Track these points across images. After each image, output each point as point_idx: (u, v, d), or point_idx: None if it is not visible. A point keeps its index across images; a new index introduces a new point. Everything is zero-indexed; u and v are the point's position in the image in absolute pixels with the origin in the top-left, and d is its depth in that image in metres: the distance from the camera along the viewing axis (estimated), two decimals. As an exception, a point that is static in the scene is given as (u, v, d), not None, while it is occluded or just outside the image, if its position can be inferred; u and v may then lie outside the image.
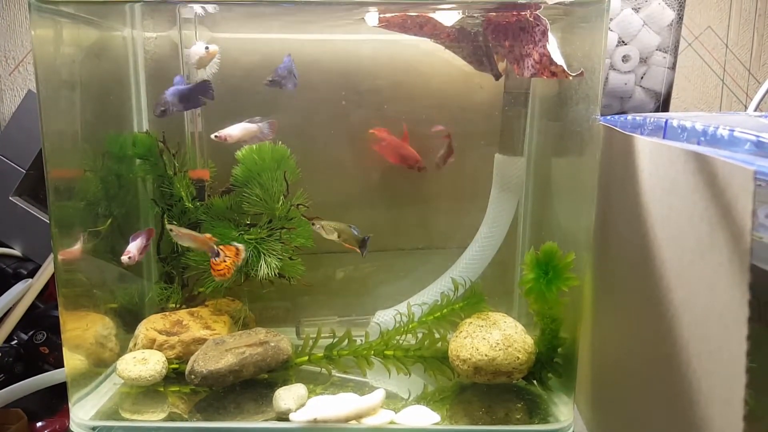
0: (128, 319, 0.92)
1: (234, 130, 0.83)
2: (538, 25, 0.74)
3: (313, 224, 0.86)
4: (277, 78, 0.82)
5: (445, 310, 0.88)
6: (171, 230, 0.83)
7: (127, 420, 0.78)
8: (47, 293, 1.03)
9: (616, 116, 0.76)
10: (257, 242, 0.89)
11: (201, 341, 0.86)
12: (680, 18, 0.95)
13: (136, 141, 0.91)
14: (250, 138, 0.85)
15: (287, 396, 0.77)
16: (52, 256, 0.89)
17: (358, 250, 0.84)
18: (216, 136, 0.83)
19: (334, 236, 0.84)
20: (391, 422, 0.76)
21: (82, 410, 0.79)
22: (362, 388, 0.82)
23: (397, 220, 1.02)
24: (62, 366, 0.82)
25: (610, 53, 0.95)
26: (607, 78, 0.96)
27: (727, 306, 0.44)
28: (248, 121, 0.84)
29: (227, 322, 0.92)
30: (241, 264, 0.85)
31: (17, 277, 1.02)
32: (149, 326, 0.87)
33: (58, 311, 0.80)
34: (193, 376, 0.80)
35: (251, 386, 0.83)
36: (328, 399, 0.78)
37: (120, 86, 0.94)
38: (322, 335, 0.87)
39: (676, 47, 0.96)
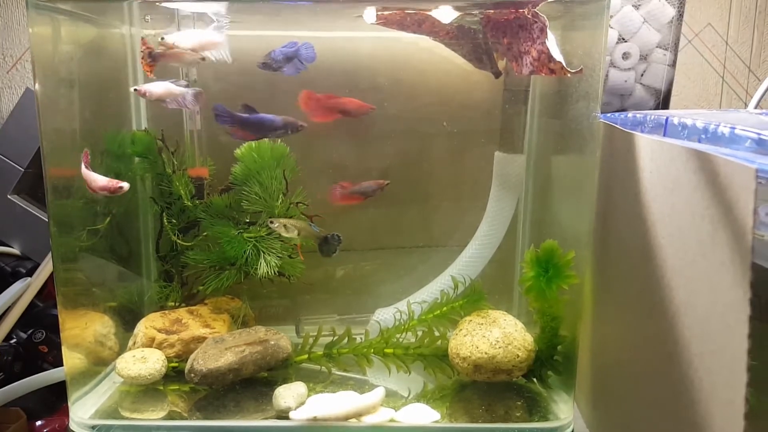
0: (127, 318, 0.92)
1: (156, 87, 0.80)
2: (536, 22, 0.74)
3: (271, 222, 0.85)
4: (269, 61, 0.81)
5: (445, 308, 0.88)
6: None
7: (126, 419, 0.78)
8: (46, 292, 1.03)
9: (617, 114, 0.75)
10: (257, 240, 0.89)
11: (200, 340, 0.86)
12: (680, 15, 0.95)
13: (134, 139, 0.91)
14: (170, 99, 0.81)
15: (287, 394, 0.77)
16: (50, 254, 0.89)
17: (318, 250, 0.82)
18: (135, 90, 0.80)
19: (294, 234, 0.83)
20: (391, 420, 0.76)
21: (82, 409, 0.79)
22: (362, 387, 0.82)
23: (396, 218, 1.02)
24: (61, 365, 0.82)
25: (611, 50, 0.95)
26: (607, 75, 0.96)
27: (729, 304, 0.44)
28: (173, 82, 0.81)
29: (227, 321, 0.92)
30: None
31: (16, 276, 1.02)
32: (148, 325, 0.87)
33: (57, 310, 0.80)
34: (192, 375, 0.80)
35: (251, 385, 0.82)
36: (327, 397, 0.78)
37: (118, 84, 0.93)
38: (322, 333, 0.87)
39: (677, 44, 0.96)
